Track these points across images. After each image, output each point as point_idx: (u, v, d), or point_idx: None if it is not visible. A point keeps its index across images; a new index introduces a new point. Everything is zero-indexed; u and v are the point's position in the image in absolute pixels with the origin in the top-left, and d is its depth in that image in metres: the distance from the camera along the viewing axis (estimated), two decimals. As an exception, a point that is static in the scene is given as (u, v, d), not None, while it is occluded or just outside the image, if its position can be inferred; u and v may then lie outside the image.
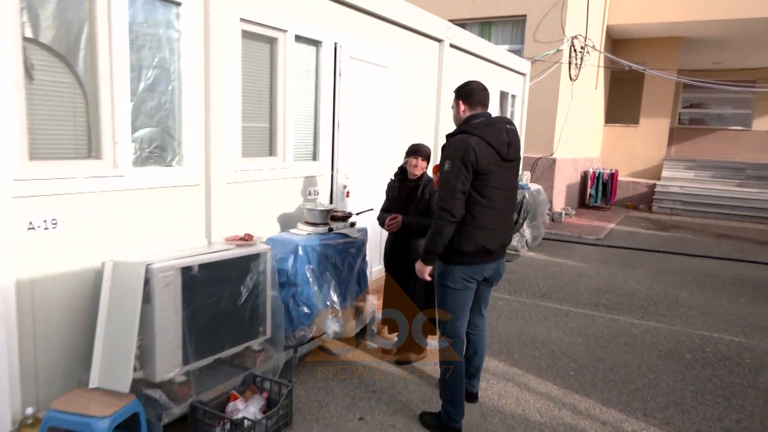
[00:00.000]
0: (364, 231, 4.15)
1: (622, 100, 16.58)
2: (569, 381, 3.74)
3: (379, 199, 5.19)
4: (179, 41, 3.18)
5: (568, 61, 10.84)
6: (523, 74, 8.74)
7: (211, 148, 3.40)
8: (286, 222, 4.10)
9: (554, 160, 10.74)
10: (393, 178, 3.95)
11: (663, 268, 7.26)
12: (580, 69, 11.42)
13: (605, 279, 6.53)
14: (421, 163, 3.76)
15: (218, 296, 3.00)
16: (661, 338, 4.61)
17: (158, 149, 3.17)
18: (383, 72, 5.13)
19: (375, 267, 5.35)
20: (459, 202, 2.88)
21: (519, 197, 7.82)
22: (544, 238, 8.65)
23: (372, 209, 4.28)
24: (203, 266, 2.90)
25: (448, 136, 3.11)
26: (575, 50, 11.09)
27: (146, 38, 3.02)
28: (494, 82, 7.66)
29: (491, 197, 2.94)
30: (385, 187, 4.06)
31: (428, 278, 3.08)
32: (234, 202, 3.63)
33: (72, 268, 2.74)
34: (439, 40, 6.09)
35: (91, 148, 2.86)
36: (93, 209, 2.80)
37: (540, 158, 10.74)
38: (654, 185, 13.68)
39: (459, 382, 3.06)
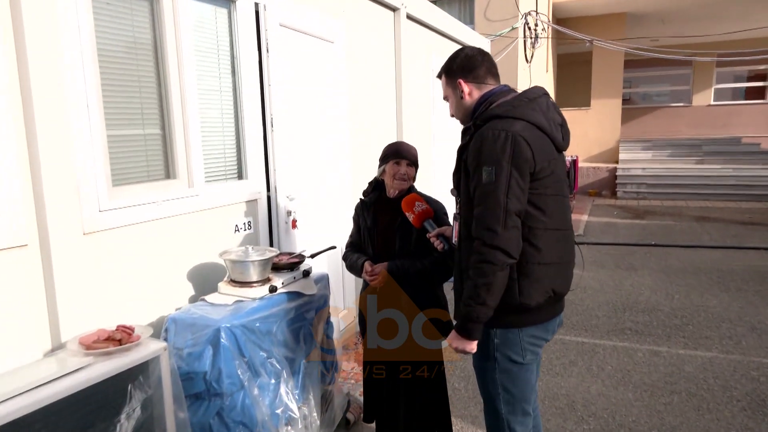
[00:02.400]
0: (324, 280, 2.75)
1: (572, 83, 15.98)
2: (652, 480, 2.51)
3: (340, 227, 3.81)
4: (-51, -19, 1.67)
5: (523, 39, 9.82)
6: (483, 54, 7.56)
7: (44, 176, 1.91)
8: (203, 283, 2.64)
9: (518, 151, 9.67)
10: (363, 198, 2.57)
11: (667, 266, 6.28)
12: (535, 49, 10.44)
13: (613, 290, 5.43)
14: (408, 170, 2.42)
15: (60, 471, 1.53)
16: (727, 377, 3.49)
17: (-76, 189, 1.65)
18: (329, 49, 3.73)
19: (341, 311, 3.95)
20: (515, 232, 1.73)
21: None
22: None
23: (335, 247, 2.87)
24: (16, 424, 1.42)
25: (469, 130, 1.89)
26: (529, 28, 10.09)
27: None
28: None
29: (552, 212, 1.83)
30: (352, 212, 2.68)
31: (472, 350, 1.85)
32: (100, 267, 2.14)
33: None
34: (394, 9, 4.76)
35: None
36: None
37: (503, 150, 9.63)
38: (615, 169, 12.99)
39: None
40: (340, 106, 3.89)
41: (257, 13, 3.00)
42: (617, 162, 13.66)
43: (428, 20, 5.41)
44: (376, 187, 2.52)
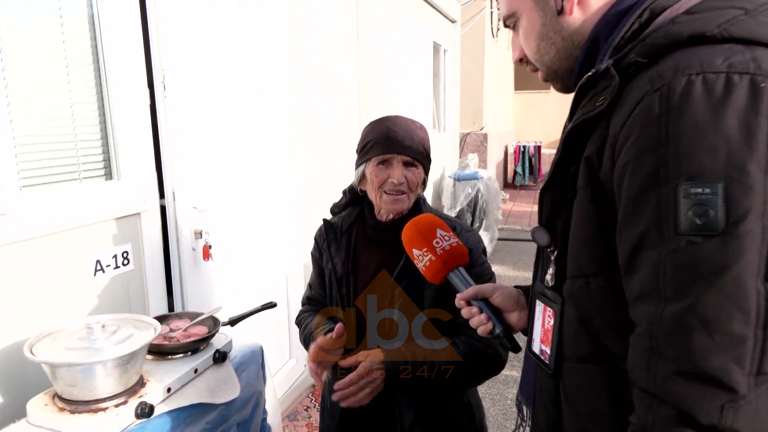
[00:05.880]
0: (254, 363, 1.56)
1: (530, 64, 15.17)
2: None
3: (289, 256, 2.61)
4: None
5: (490, 8, 8.79)
6: (453, 21, 6.46)
7: None
8: (10, 396, 1.38)
9: (485, 136, 8.69)
10: (329, 220, 1.38)
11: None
12: (500, 23, 9.46)
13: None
14: (410, 175, 1.23)
15: None
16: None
17: None
18: (262, -23, 2.48)
19: (279, 373, 2.78)
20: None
21: (473, 191, 5.61)
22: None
23: (274, 304, 1.65)
24: None
25: (602, 80, 0.66)
26: (497, -1, 9.08)
27: None
28: (427, 29, 5.27)
29: None
30: (310, 233, 1.49)
31: None
32: None
33: None
34: (355, -58, 3.54)
35: None
36: None
37: (468, 134, 8.62)
38: (578, 157, 12.33)
39: None
40: (278, 62, 2.65)
41: None
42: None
43: (396, -34, 4.22)
44: (353, 200, 1.33)
